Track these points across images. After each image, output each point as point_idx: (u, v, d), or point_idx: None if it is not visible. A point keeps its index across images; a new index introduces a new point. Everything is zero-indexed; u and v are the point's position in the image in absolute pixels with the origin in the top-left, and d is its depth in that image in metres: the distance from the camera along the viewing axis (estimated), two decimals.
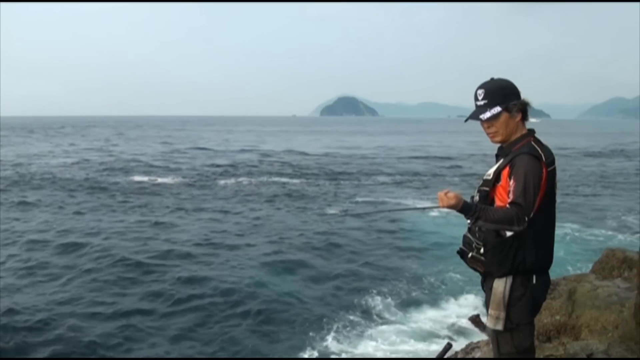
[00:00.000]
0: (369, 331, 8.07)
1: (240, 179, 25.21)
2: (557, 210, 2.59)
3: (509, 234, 2.43)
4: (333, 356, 7.32)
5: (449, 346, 2.76)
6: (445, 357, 2.73)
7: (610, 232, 14.06)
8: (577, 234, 13.75)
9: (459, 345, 6.78)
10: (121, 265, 10.88)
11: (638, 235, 13.61)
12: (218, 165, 31.34)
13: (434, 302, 9.12)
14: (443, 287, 9.80)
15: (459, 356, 6.04)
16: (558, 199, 2.60)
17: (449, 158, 38.62)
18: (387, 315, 8.61)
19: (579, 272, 8.79)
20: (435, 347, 7.28)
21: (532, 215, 2.34)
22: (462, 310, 8.64)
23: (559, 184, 2.60)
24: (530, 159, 2.39)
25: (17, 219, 15.34)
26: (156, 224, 14.99)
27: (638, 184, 23.88)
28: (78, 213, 16.39)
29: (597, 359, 4.02)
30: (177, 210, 17.12)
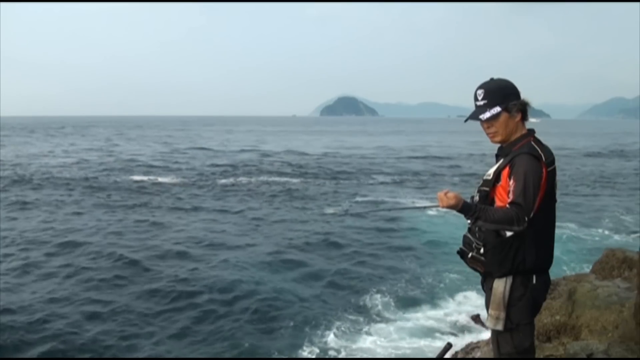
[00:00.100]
0: (369, 328, 8.09)
1: (240, 179, 25.21)
2: (556, 210, 2.59)
3: (508, 234, 2.43)
4: (333, 352, 7.33)
5: (449, 346, 2.76)
6: (445, 357, 2.73)
7: (610, 232, 14.07)
8: (577, 234, 13.75)
9: (458, 344, 6.78)
10: (120, 264, 10.90)
11: (638, 235, 13.61)
12: (218, 165, 31.34)
13: (433, 301, 9.13)
14: (442, 286, 9.81)
15: (459, 356, 6.05)
16: (558, 199, 2.60)
17: (448, 158, 38.63)
18: (386, 314, 8.62)
19: (579, 272, 8.79)
20: (435, 345, 7.29)
21: (532, 215, 2.34)
22: (462, 309, 8.64)
23: (558, 184, 2.60)
24: (530, 159, 2.39)
25: (16, 219, 15.36)
26: (155, 223, 15.00)
27: (638, 184, 23.88)
28: (77, 212, 16.40)
29: (597, 359, 4.02)
30: (176, 210, 17.13)
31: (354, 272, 10.80)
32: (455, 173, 28.97)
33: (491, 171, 2.56)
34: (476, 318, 8.17)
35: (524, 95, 2.54)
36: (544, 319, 5.27)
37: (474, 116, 2.54)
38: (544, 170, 2.40)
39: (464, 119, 2.65)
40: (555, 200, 2.55)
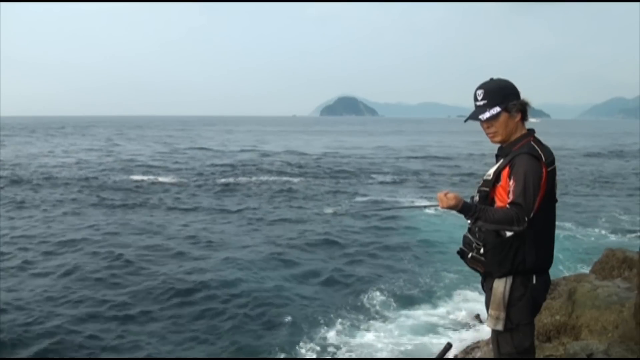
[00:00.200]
0: (369, 326, 8.10)
1: (239, 179, 25.22)
2: (556, 210, 2.59)
3: (508, 234, 2.43)
4: (332, 349, 7.34)
5: (449, 346, 2.76)
6: (445, 357, 2.73)
7: (609, 232, 14.06)
8: (577, 234, 13.75)
9: (458, 344, 6.78)
10: (118, 263, 10.89)
11: (638, 235, 13.61)
12: (218, 165, 31.35)
13: (433, 300, 9.13)
14: (442, 285, 9.80)
15: (459, 356, 6.05)
16: (557, 199, 2.60)
17: (448, 158, 38.63)
18: (386, 312, 8.63)
19: (578, 272, 8.79)
20: (435, 342, 7.29)
21: (532, 215, 2.34)
22: (461, 309, 8.63)
23: (558, 184, 2.60)
24: (530, 159, 2.39)
25: (15, 218, 15.33)
26: (155, 222, 15.00)
27: (638, 184, 23.89)
28: (76, 212, 16.39)
29: (597, 359, 4.02)
30: (176, 209, 17.13)
31: (353, 271, 10.81)
32: (455, 173, 28.96)
33: (491, 171, 2.56)
34: (476, 317, 8.18)
35: (523, 95, 2.54)
36: (544, 319, 5.27)
37: (474, 116, 2.55)
38: (543, 170, 2.40)
39: (464, 119, 2.65)
40: (555, 200, 2.55)
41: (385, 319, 8.39)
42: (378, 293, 9.39)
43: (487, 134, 2.59)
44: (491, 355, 3.40)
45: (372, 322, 8.27)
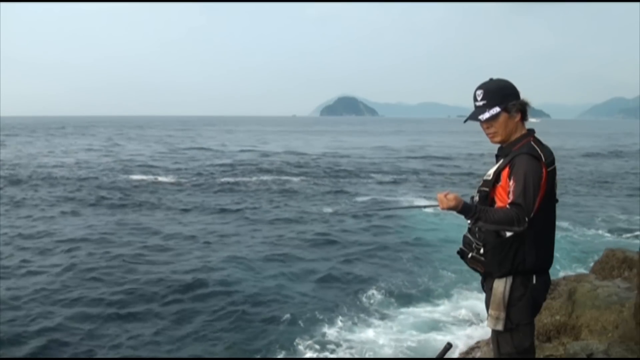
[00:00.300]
0: (368, 323, 8.10)
1: (239, 179, 25.21)
2: (556, 210, 2.59)
3: (508, 234, 2.43)
4: (332, 346, 7.35)
5: (449, 346, 2.76)
6: (445, 357, 2.73)
7: (609, 232, 14.05)
8: (577, 234, 13.74)
9: (458, 343, 6.78)
10: (117, 263, 10.87)
11: (638, 235, 13.61)
12: (218, 165, 31.34)
13: (433, 299, 9.12)
14: (441, 285, 9.79)
15: (459, 356, 6.05)
16: (558, 199, 2.60)
17: (448, 158, 38.62)
18: (385, 310, 8.64)
19: (578, 272, 8.79)
20: (435, 338, 7.29)
21: (532, 215, 2.34)
22: (461, 309, 8.62)
23: (558, 184, 2.60)
24: (529, 159, 2.39)
25: (14, 218, 15.32)
26: (154, 222, 15.00)
27: (637, 185, 23.89)
28: (75, 211, 16.38)
29: (597, 359, 4.02)
30: (175, 209, 17.12)
31: (353, 270, 10.82)
32: (455, 173, 28.96)
33: (491, 171, 2.56)
34: (476, 317, 8.18)
35: (523, 95, 2.54)
36: (544, 319, 5.28)
37: (474, 117, 2.55)
38: (543, 170, 2.40)
39: (464, 119, 2.65)
40: (556, 200, 2.56)
41: (385, 317, 8.39)
42: (378, 292, 9.40)
43: (487, 134, 2.59)
44: (491, 355, 3.40)
45: (372, 319, 8.28)
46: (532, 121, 2.60)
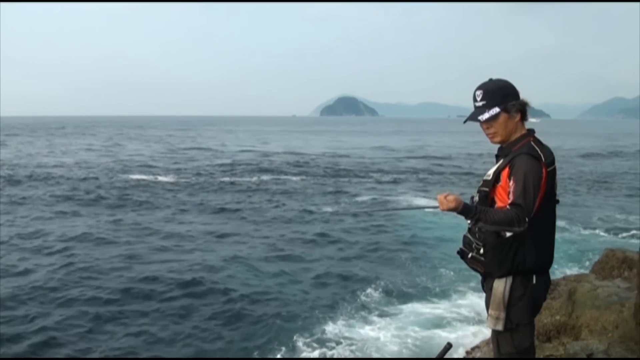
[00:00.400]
0: (367, 321, 8.13)
1: (239, 178, 25.21)
2: (556, 210, 2.58)
3: (508, 234, 2.43)
4: (332, 344, 7.37)
5: (449, 346, 2.76)
6: (445, 357, 2.73)
7: (609, 232, 14.05)
8: (576, 234, 13.75)
9: (458, 342, 6.78)
10: (115, 262, 10.90)
11: (637, 235, 13.61)
12: (217, 165, 31.35)
13: (432, 299, 9.12)
14: (441, 284, 9.80)
15: (459, 356, 6.05)
16: (559, 200, 2.60)
17: (448, 158, 38.63)
18: (385, 310, 8.66)
19: (578, 272, 8.79)
20: (434, 342, 7.29)
21: (532, 215, 2.34)
22: (461, 308, 8.63)
23: (558, 184, 2.60)
24: (529, 160, 2.39)
25: (13, 217, 15.31)
26: (154, 221, 15.00)
27: (637, 185, 23.89)
28: (75, 211, 16.39)
29: (597, 359, 4.02)
30: (175, 208, 17.13)
31: (352, 269, 10.85)
32: (455, 173, 28.96)
33: (491, 172, 2.56)
34: (476, 317, 8.18)
35: (523, 95, 2.54)
36: (544, 319, 5.28)
37: (473, 117, 2.54)
38: (543, 170, 2.40)
39: (464, 119, 2.65)
40: (556, 201, 2.55)
41: (384, 315, 8.42)
42: (377, 290, 9.43)
43: (487, 134, 2.59)
44: (491, 355, 3.40)
45: (372, 317, 8.31)
46: (532, 121, 2.60)
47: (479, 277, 2.71)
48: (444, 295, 9.28)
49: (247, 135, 78.44)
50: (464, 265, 2.69)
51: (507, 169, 2.44)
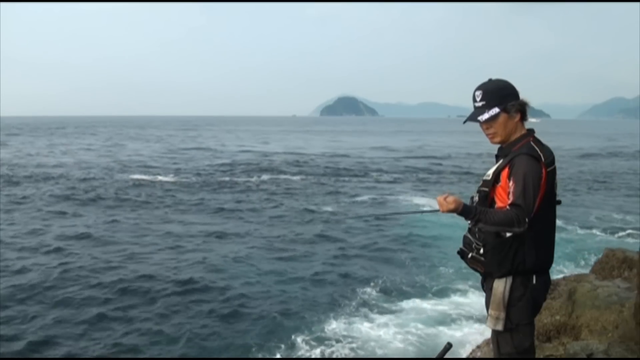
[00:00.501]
0: (368, 320, 8.14)
1: (239, 178, 25.22)
2: (556, 210, 2.58)
3: (508, 234, 2.43)
4: (332, 342, 7.38)
5: (449, 346, 2.76)
6: (445, 357, 2.73)
7: (609, 232, 14.06)
8: (576, 234, 13.75)
9: (458, 342, 6.78)
10: (114, 261, 10.90)
11: (638, 235, 13.61)
12: (217, 165, 31.35)
13: (432, 299, 9.12)
14: (440, 284, 9.80)
15: (459, 356, 6.05)
16: (561, 200, 2.60)
17: (448, 158, 38.65)
18: (384, 308, 8.67)
19: (578, 272, 8.79)
20: (434, 342, 7.30)
21: (532, 216, 2.33)
22: (461, 308, 8.63)
23: (558, 184, 2.59)
24: (529, 160, 2.38)
25: (13, 217, 15.32)
26: (153, 221, 15.01)
27: (637, 184, 23.89)
28: (74, 210, 16.38)
29: (597, 359, 4.02)
30: (175, 208, 17.14)
31: (352, 268, 10.88)
32: (455, 173, 28.97)
33: (490, 172, 2.56)
34: (476, 317, 8.18)
35: (523, 95, 2.53)
36: (544, 319, 5.27)
37: (473, 117, 2.54)
38: (543, 170, 2.40)
39: (464, 119, 2.64)
40: (557, 201, 2.55)
41: (384, 313, 8.44)
42: (377, 289, 9.47)
43: (487, 134, 2.59)
44: (491, 355, 3.40)
45: (372, 316, 8.34)
46: (532, 121, 2.60)
47: (479, 276, 2.71)
48: (444, 293, 9.29)
49: (247, 135, 78.44)
50: (463, 264, 2.69)
51: (506, 169, 2.44)
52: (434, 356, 2.85)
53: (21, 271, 10.28)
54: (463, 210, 2.37)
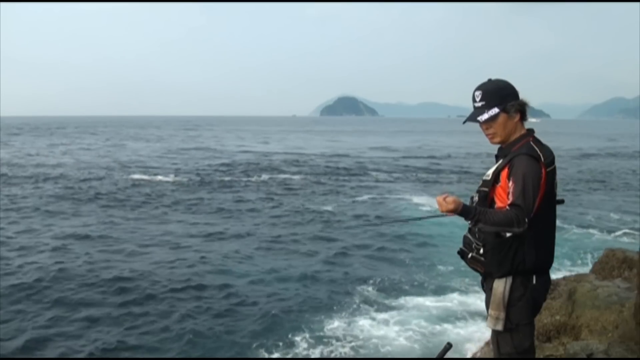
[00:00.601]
0: (368, 319, 8.17)
1: (239, 178, 25.22)
2: (556, 210, 2.58)
3: (508, 234, 2.42)
4: (332, 340, 7.39)
5: (449, 346, 2.76)
6: (445, 357, 2.72)
7: (609, 232, 14.06)
8: (576, 234, 13.76)
9: (458, 342, 6.78)
10: (113, 261, 10.91)
11: (638, 235, 13.61)
12: (217, 165, 31.35)
13: (432, 298, 9.13)
14: (440, 284, 9.82)
15: (459, 356, 6.05)
16: (563, 200, 2.59)
17: (448, 157, 38.66)
18: (384, 305, 8.72)
19: (578, 272, 8.79)
20: (434, 341, 7.30)
21: (531, 216, 2.33)
22: (460, 308, 8.63)
23: (558, 184, 2.59)
24: (528, 160, 2.38)
25: (13, 216, 15.32)
26: (153, 220, 15.02)
27: (637, 184, 23.89)
28: (74, 210, 16.39)
29: (597, 359, 4.02)
30: (174, 208, 17.13)
31: (352, 267, 10.90)
32: (455, 172, 28.98)
33: (490, 172, 2.55)
34: (476, 317, 8.18)
35: (523, 95, 2.53)
36: (544, 319, 5.27)
37: (472, 118, 2.54)
38: (543, 170, 2.40)
39: (464, 119, 2.64)
40: (557, 201, 2.55)
41: (384, 312, 8.47)
42: (376, 288, 9.49)
43: (486, 135, 2.58)
44: (491, 355, 3.40)
45: (372, 314, 8.37)
46: (531, 121, 2.60)
47: (479, 276, 2.71)
48: (444, 292, 9.30)
49: (247, 135, 78.46)
50: (463, 263, 2.69)
51: (506, 170, 2.44)
52: (434, 356, 2.85)
53: (20, 270, 10.28)
54: (462, 211, 2.37)
